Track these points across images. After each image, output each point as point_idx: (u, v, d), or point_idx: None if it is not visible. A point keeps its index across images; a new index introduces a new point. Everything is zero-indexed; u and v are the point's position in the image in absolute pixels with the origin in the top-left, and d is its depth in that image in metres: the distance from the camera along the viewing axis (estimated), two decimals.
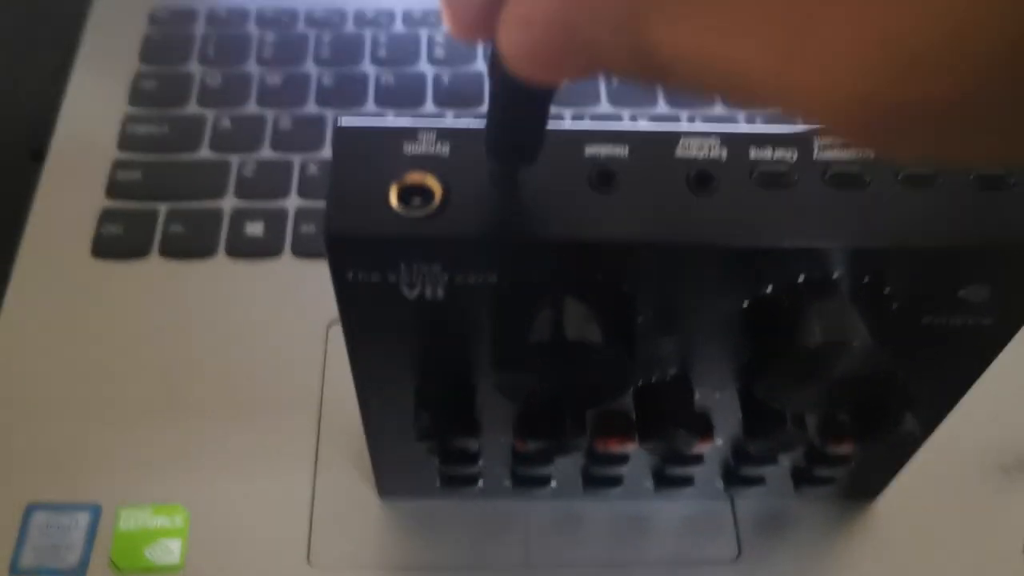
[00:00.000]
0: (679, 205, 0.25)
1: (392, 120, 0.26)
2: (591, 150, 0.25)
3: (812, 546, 0.38)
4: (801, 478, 0.37)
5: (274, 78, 0.51)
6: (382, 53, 0.52)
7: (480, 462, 0.35)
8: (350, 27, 0.53)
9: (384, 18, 0.54)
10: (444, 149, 0.25)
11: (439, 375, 0.29)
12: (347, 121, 0.26)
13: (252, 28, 0.53)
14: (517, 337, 0.25)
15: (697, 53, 0.14)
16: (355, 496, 0.38)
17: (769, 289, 0.26)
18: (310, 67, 0.51)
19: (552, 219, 0.24)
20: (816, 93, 0.13)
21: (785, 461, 0.36)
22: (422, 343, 0.28)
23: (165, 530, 0.37)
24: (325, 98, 0.50)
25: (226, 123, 0.48)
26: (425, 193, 0.24)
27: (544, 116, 0.22)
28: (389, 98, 0.50)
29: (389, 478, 0.37)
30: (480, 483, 0.36)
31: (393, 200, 0.24)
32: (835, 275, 0.25)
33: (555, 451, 0.31)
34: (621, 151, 0.25)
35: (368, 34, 0.53)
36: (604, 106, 0.50)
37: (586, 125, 0.26)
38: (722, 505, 0.39)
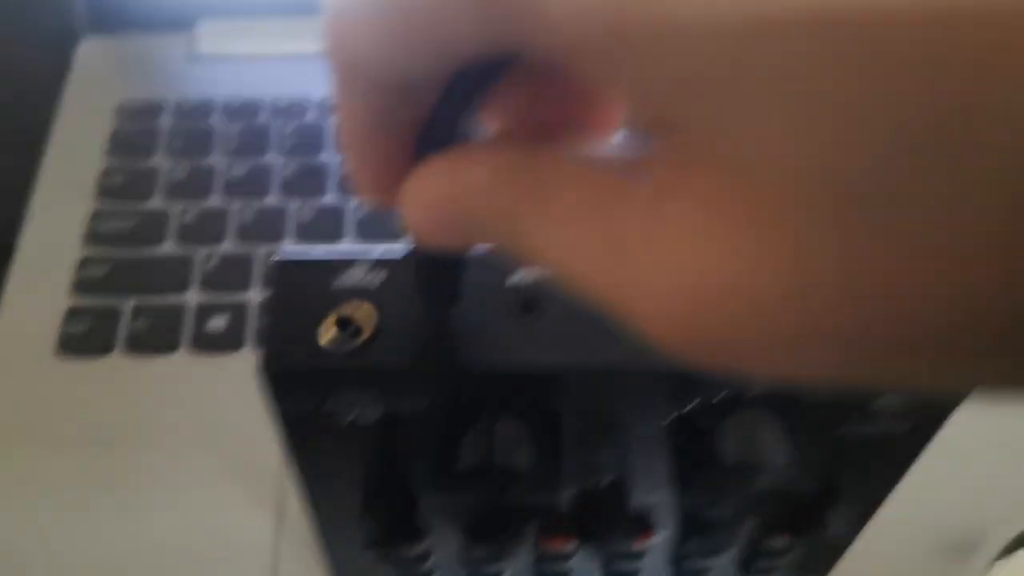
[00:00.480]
0: (602, 329, 0.26)
1: (329, 250, 0.27)
2: (514, 278, 0.27)
3: None
4: (745, 568, 0.38)
5: (238, 170, 0.52)
6: None
7: (431, 560, 0.36)
8: (312, 117, 0.55)
9: None
10: (378, 278, 0.26)
11: (382, 488, 0.30)
12: (286, 254, 0.27)
13: (217, 120, 0.54)
14: (450, 460, 0.26)
15: (552, 262, 0.16)
16: None
17: (691, 406, 0.27)
18: (273, 158, 0.53)
19: (480, 348, 0.25)
20: (638, 317, 0.15)
21: (729, 552, 0.37)
22: (362, 462, 0.29)
23: None
24: (287, 188, 0.51)
25: (190, 216, 0.50)
26: (357, 324, 0.25)
27: (458, 272, 0.24)
28: (350, 186, 0.51)
29: None
30: None
31: (327, 332, 0.25)
32: (752, 393, 0.26)
33: (500, 555, 0.32)
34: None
35: (330, 124, 0.54)
36: None
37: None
38: None
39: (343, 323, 0.25)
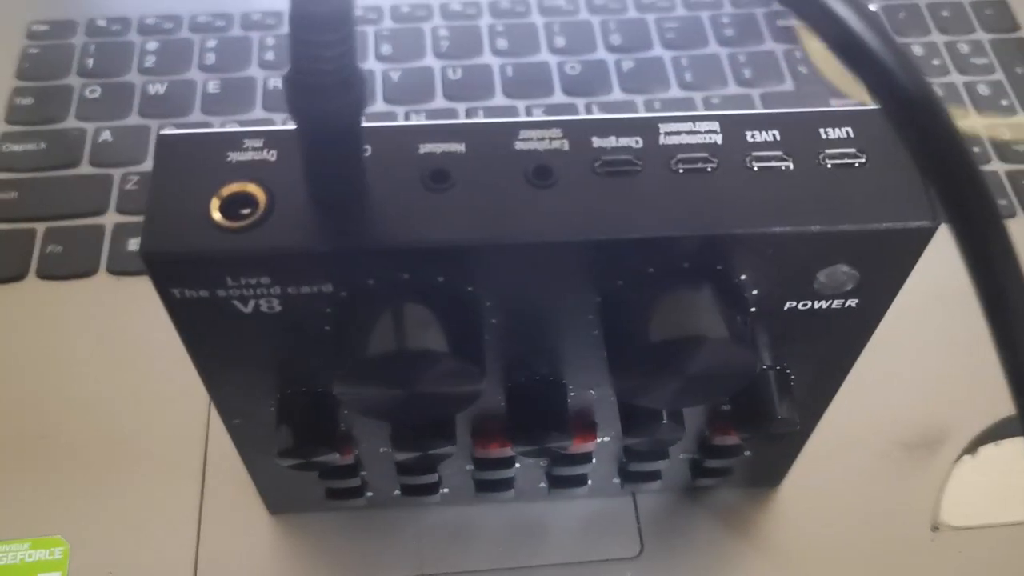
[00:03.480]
0: (518, 200, 0.24)
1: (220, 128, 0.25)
2: (425, 148, 0.24)
3: (715, 536, 0.37)
4: (697, 470, 0.36)
5: (157, 87, 0.49)
6: (270, 56, 0.51)
7: (362, 473, 0.33)
8: (236, 31, 0.52)
9: (272, 20, 0.52)
10: (271, 155, 0.24)
11: (295, 390, 0.28)
12: (170, 130, 0.24)
13: (134, 37, 0.51)
14: (359, 348, 0.24)
15: None
16: (244, 515, 0.37)
17: (619, 284, 0.25)
18: (195, 74, 0.50)
19: (383, 223, 0.23)
20: None
21: (678, 454, 0.35)
22: (270, 358, 0.27)
23: (44, 563, 0.35)
24: (211, 106, 0.49)
25: (107, 136, 0.47)
26: (249, 202, 0.23)
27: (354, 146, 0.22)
28: (278, 103, 0.49)
29: (274, 494, 0.35)
30: (369, 494, 0.35)
31: (214, 211, 0.23)
32: (685, 265, 0.24)
33: (430, 460, 0.29)
34: (457, 147, 0.24)
35: (255, 37, 0.51)
36: (439, 101, 0.49)
37: (421, 121, 0.25)
38: (623, 502, 0.38)
39: (232, 202, 0.23)
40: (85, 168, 0.46)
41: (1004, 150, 0.49)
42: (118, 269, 0.43)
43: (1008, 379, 0.18)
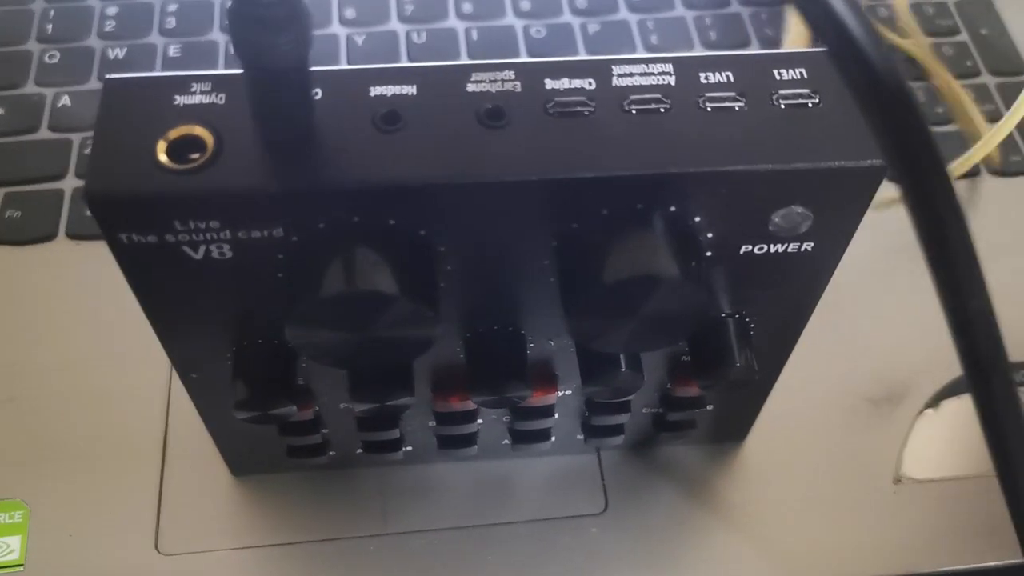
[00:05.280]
0: (470, 141, 0.23)
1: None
2: (376, 90, 0.24)
3: (680, 491, 0.37)
4: (660, 425, 0.36)
5: (117, 52, 0.48)
6: None
7: (323, 431, 0.33)
8: None
9: None
10: (220, 98, 0.24)
11: (251, 341, 0.28)
12: (117, 74, 0.24)
13: (94, 2, 0.50)
14: (310, 290, 0.24)
15: None
16: (207, 478, 0.36)
17: (573, 227, 0.24)
18: (155, 38, 0.49)
19: (333, 164, 0.23)
20: None
21: (641, 409, 0.35)
22: (224, 308, 0.26)
23: (4, 527, 0.35)
24: (172, 70, 0.48)
25: (66, 101, 0.46)
26: (197, 145, 0.23)
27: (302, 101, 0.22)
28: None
29: (236, 455, 0.35)
30: (331, 453, 0.35)
31: (160, 154, 0.23)
32: (639, 206, 0.24)
33: (390, 412, 0.29)
34: (408, 89, 0.24)
35: (216, 2, 0.51)
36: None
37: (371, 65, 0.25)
38: (588, 460, 0.38)
39: (179, 145, 0.23)
40: (44, 133, 0.45)
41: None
42: (77, 233, 0.42)
43: (946, 317, 0.18)
